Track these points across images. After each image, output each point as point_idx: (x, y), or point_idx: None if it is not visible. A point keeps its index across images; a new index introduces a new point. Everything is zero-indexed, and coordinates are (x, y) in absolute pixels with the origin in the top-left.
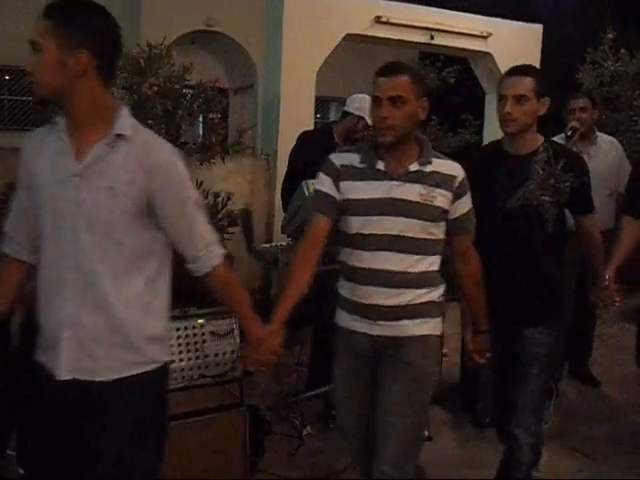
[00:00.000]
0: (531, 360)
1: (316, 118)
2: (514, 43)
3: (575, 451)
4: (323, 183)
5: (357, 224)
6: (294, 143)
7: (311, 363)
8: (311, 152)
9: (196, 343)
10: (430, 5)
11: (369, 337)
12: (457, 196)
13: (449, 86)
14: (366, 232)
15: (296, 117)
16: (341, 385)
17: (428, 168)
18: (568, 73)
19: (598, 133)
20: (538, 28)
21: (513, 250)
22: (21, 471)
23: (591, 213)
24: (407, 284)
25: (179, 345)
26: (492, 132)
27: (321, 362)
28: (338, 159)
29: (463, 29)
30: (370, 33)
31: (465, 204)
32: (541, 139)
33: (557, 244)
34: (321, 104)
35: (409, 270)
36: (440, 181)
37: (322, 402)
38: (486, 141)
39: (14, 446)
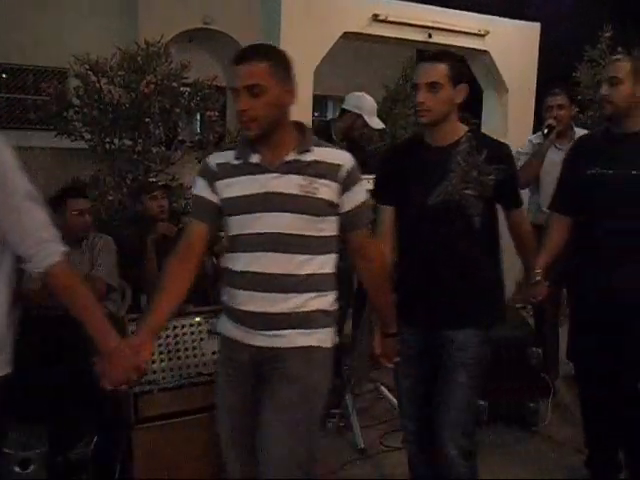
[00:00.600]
0: (457, 366)
1: (314, 116)
2: (512, 41)
3: (578, 451)
4: (197, 186)
5: (236, 224)
6: None
7: None
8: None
9: (194, 341)
10: (428, 3)
11: (250, 348)
12: (346, 187)
13: None
14: (245, 232)
15: (294, 115)
16: (220, 397)
17: (308, 157)
18: (565, 71)
19: (576, 129)
20: (536, 26)
21: (435, 247)
22: (17, 469)
23: (519, 207)
24: (292, 288)
25: (176, 343)
26: (490, 129)
27: None
28: (214, 158)
29: (461, 27)
30: (368, 31)
31: (357, 195)
32: (464, 129)
33: (487, 240)
34: (319, 102)
35: (295, 272)
36: (323, 171)
37: None
38: None
39: (11, 445)
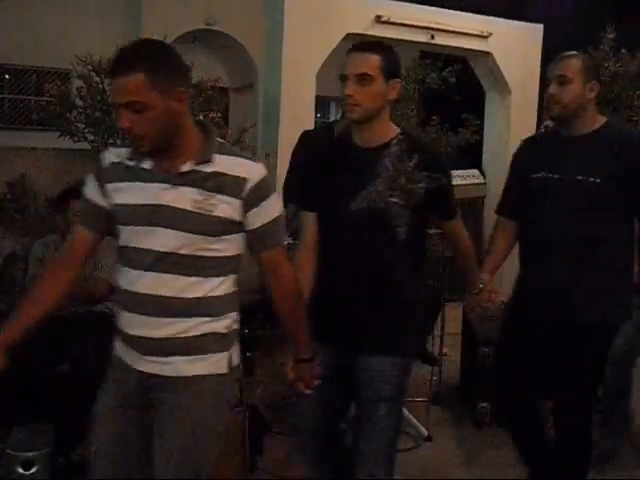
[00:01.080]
0: (373, 397)
1: (316, 117)
2: (515, 43)
3: None
4: (87, 187)
5: (124, 235)
6: (295, 142)
7: None
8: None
9: None
10: (430, 5)
11: (137, 372)
12: (251, 203)
13: (450, 85)
14: (131, 245)
15: (296, 116)
16: (100, 416)
17: (208, 168)
18: None
19: None
20: (539, 28)
21: (357, 260)
22: (20, 470)
23: (453, 218)
24: (178, 312)
25: None
26: (493, 131)
27: None
28: (110, 155)
29: (463, 29)
30: (370, 33)
31: (268, 211)
32: (395, 131)
33: (413, 253)
34: (321, 103)
35: (181, 295)
36: (224, 185)
37: None
38: (487, 140)
39: (13, 445)
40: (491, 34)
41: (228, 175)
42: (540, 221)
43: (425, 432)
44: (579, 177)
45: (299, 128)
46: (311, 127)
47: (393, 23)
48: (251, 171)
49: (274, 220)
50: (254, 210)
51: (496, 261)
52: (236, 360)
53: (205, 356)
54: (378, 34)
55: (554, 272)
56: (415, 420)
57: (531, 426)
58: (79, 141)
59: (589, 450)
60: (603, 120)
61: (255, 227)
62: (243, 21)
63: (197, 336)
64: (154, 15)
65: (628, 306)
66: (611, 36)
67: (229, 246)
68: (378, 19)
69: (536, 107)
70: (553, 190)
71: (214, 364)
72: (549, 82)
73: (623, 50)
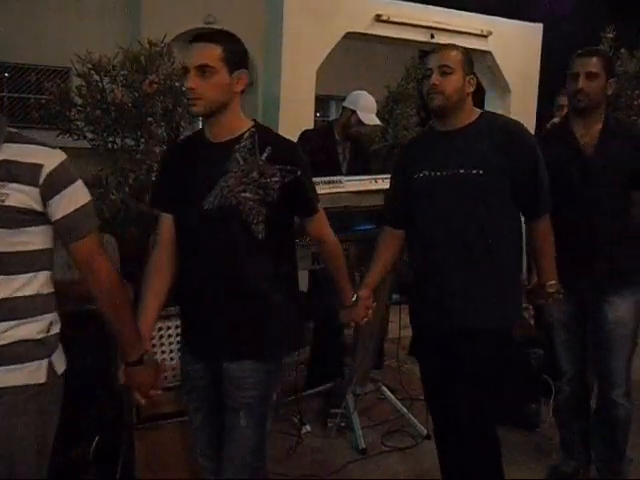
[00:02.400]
0: (234, 405)
1: (316, 116)
2: (514, 42)
3: None
4: None
5: None
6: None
7: (310, 361)
8: (312, 151)
9: None
10: (430, 4)
11: None
12: (51, 191)
13: None
14: None
15: (296, 115)
16: None
17: None
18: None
19: None
20: (538, 27)
21: (212, 261)
22: None
23: (313, 215)
24: None
25: (178, 343)
26: None
27: (320, 360)
28: None
29: (463, 28)
30: (370, 31)
31: (72, 199)
32: (248, 123)
33: (276, 253)
34: (321, 103)
35: None
36: (16, 172)
37: (321, 400)
38: None
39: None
40: (491, 33)
41: (19, 162)
42: (426, 222)
43: (424, 430)
44: (462, 171)
45: (299, 127)
46: (311, 126)
47: (393, 22)
48: (46, 157)
49: (80, 208)
50: (55, 198)
51: (376, 276)
52: (61, 367)
53: (20, 365)
54: (378, 33)
55: (444, 276)
56: (414, 418)
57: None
58: (78, 139)
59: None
60: (479, 112)
61: (59, 217)
62: (242, 20)
63: (5, 345)
64: (154, 14)
65: (519, 308)
66: (610, 36)
67: (34, 239)
68: (378, 18)
69: (535, 106)
70: (437, 188)
71: (31, 374)
72: (430, 72)
73: (622, 50)
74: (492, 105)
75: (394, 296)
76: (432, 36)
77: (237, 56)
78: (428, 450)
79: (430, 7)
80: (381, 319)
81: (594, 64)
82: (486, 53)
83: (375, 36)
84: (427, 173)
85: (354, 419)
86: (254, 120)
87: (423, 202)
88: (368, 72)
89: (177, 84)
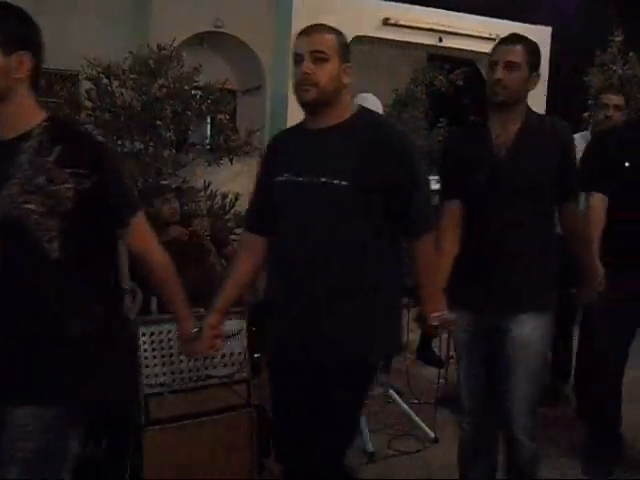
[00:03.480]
0: (3, 458)
1: None
2: None
3: None
4: None
5: None
6: None
7: None
8: None
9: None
10: (438, 7)
11: None
12: None
13: (457, 88)
14: None
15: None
16: None
17: None
18: (576, 76)
19: None
20: (546, 30)
21: (4, 286)
22: None
23: (126, 226)
24: None
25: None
26: None
27: None
28: None
29: (471, 31)
30: (378, 35)
31: None
32: (41, 115)
33: (80, 277)
34: None
35: None
36: None
37: None
38: None
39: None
40: (499, 36)
41: None
42: (284, 234)
43: (432, 434)
44: (323, 179)
45: None
46: None
47: (401, 26)
48: None
49: None
50: None
51: (229, 295)
52: None
53: None
54: (386, 36)
55: (299, 298)
56: (422, 422)
57: None
58: None
59: None
60: (356, 108)
61: None
62: (251, 23)
63: None
64: (162, 18)
65: (398, 335)
66: (619, 39)
67: None
68: (386, 21)
69: (544, 109)
70: (297, 196)
71: None
72: (298, 59)
73: (631, 53)
74: None
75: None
76: (440, 40)
77: (11, 36)
78: (436, 454)
79: (438, 10)
80: None
81: (516, 53)
82: None
83: (383, 39)
84: (288, 177)
85: (362, 422)
86: (52, 113)
87: (283, 210)
88: (376, 75)
89: (186, 88)
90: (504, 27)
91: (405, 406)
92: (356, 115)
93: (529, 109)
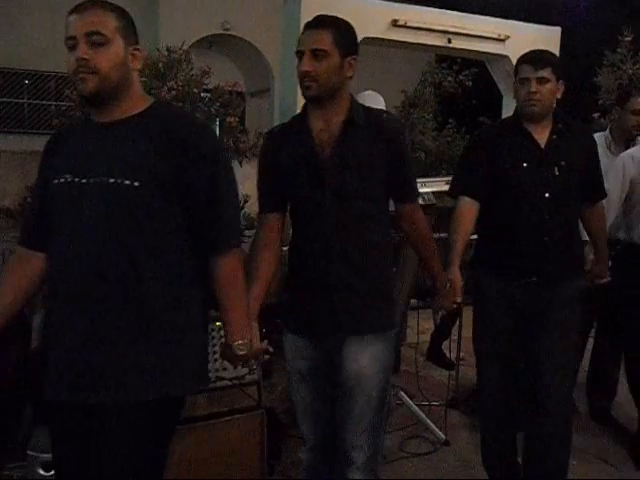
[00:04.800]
0: None
1: None
2: (532, 46)
3: (600, 460)
4: None
5: None
6: None
7: None
8: None
9: (214, 346)
10: (447, 8)
11: None
12: None
13: (466, 89)
14: None
15: None
16: None
17: None
18: (586, 75)
19: None
20: (556, 31)
21: None
22: (41, 472)
23: None
24: None
25: None
26: None
27: None
28: None
29: (481, 32)
30: (387, 36)
31: None
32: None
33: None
34: None
35: None
36: None
37: None
38: None
39: (35, 447)
40: (508, 37)
41: None
42: (58, 246)
43: (442, 436)
44: (111, 180)
45: None
46: None
47: (410, 27)
48: None
49: None
50: None
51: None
52: None
53: None
54: (395, 38)
55: (73, 327)
56: (432, 424)
57: None
58: None
59: None
60: (150, 100)
61: None
62: (259, 26)
63: None
64: (171, 21)
65: (200, 373)
66: (629, 39)
67: None
68: (395, 23)
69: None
70: (80, 201)
71: None
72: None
73: None
74: (509, 110)
75: (412, 301)
76: (449, 41)
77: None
78: (447, 456)
79: (447, 11)
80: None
81: (321, 41)
82: (504, 57)
83: (392, 41)
84: (69, 178)
85: None
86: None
87: (61, 218)
88: (385, 77)
89: (195, 90)
90: (513, 28)
91: (416, 408)
92: (153, 107)
93: (354, 100)
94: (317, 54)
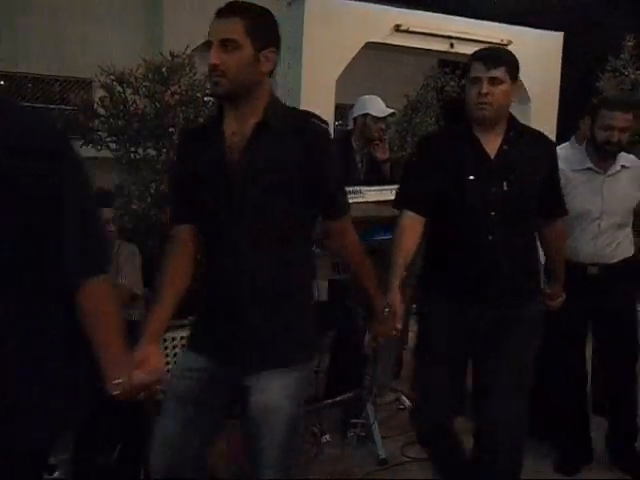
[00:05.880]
0: None
1: (336, 125)
2: (535, 51)
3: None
4: None
5: None
6: None
7: (329, 371)
8: None
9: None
10: (450, 13)
11: None
12: None
13: None
14: None
15: None
16: None
17: None
18: (588, 81)
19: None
20: (559, 36)
21: None
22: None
23: None
24: None
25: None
26: None
27: (339, 370)
28: None
29: (483, 37)
30: (390, 41)
31: None
32: None
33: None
34: (341, 111)
35: None
36: None
37: (341, 410)
38: None
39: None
40: (511, 42)
41: None
42: None
43: None
44: None
45: None
46: (330, 135)
47: (413, 32)
48: None
49: None
50: None
51: None
52: None
53: None
54: (397, 43)
55: None
56: None
57: None
58: (101, 149)
59: None
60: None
61: None
62: None
63: None
64: (175, 25)
65: (53, 421)
66: (631, 44)
67: None
68: (397, 28)
69: (556, 115)
70: None
71: None
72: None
73: None
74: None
75: (413, 306)
76: (452, 45)
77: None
78: None
79: (449, 17)
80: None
81: (230, 30)
82: None
83: (395, 46)
84: None
85: (374, 429)
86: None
87: None
88: (387, 81)
89: (198, 95)
90: (516, 33)
91: None
92: None
93: (274, 100)
94: (226, 45)
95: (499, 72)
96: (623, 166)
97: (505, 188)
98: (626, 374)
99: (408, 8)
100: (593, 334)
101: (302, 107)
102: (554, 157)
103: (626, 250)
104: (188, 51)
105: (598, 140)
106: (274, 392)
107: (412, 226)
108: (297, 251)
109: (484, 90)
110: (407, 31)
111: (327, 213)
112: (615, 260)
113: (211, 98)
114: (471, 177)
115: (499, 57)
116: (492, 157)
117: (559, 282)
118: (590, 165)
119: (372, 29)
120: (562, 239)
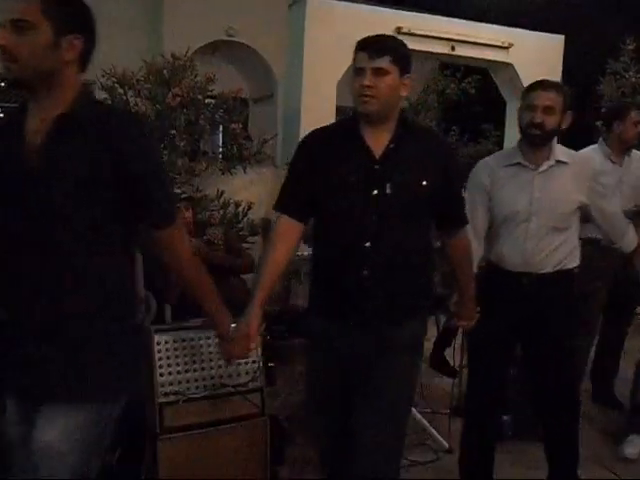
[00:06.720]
0: None
1: None
2: (535, 54)
3: (608, 471)
4: None
5: None
6: None
7: None
8: None
9: (219, 352)
10: (451, 16)
11: None
12: None
13: (469, 96)
14: None
15: (317, 127)
16: None
17: None
18: (589, 84)
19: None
20: (559, 39)
21: None
22: None
23: None
24: None
25: (201, 354)
26: (514, 142)
27: None
28: None
29: (484, 40)
30: None
31: None
32: None
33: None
34: (342, 114)
35: None
36: None
37: None
38: None
39: None
40: (512, 45)
41: None
42: None
43: (446, 444)
44: None
45: None
46: None
47: (414, 34)
48: None
49: None
50: None
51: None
52: None
53: None
54: None
55: None
56: (435, 432)
57: None
58: None
59: None
60: None
61: None
62: (263, 32)
63: None
64: (175, 27)
65: None
66: (631, 47)
67: None
68: (399, 30)
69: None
70: None
71: None
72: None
73: None
74: (513, 117)
75: None
76: (453, 48)
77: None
78: (450, 464)
79: (451, 19)
80: None
81: (22, 10)
82: (507, 65)
83: None
84: None
85: None
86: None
87: None
88: None
89: (199, 97)
90: (517, 36)
91: (419, 416)
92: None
93: (86, 93)
94: (17, 26)
95: (384, 62)
96: (559, 161)
97: (388, 191)
98: (565, 427)
99: (409, 11)
100: (524, 363)
101: (303, 109)
102: (449, 158)
103: (565, 260)
104: (189, 53)
105: (522, 125)
106: (57, 431)
107: (286, 233)
108: (104, 267)
109: (366, 82)
110: (408, 34)
111: (148, 221)
112: (547, 270)
113: (212, 100)
114: (352, 178)
115: (384, 46)
116: (377, 157)
117: (468, 300)
118: (519, 160)
119: (373, 32)
120: (466, 251)
